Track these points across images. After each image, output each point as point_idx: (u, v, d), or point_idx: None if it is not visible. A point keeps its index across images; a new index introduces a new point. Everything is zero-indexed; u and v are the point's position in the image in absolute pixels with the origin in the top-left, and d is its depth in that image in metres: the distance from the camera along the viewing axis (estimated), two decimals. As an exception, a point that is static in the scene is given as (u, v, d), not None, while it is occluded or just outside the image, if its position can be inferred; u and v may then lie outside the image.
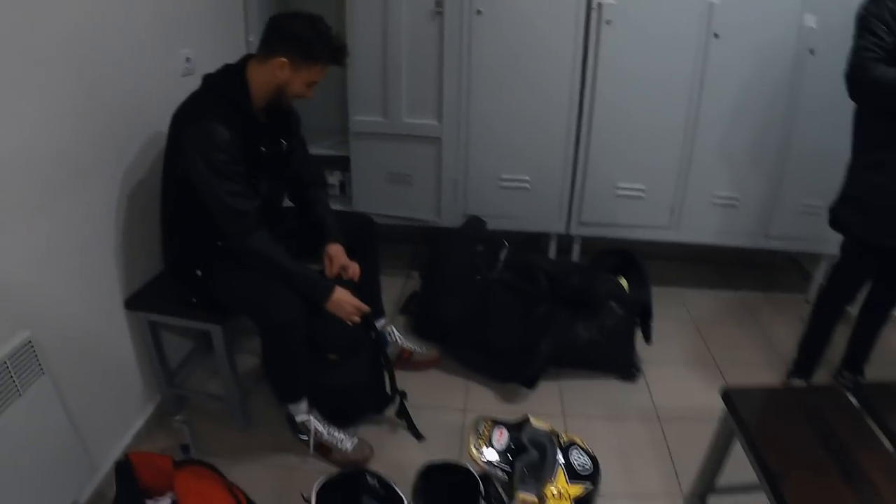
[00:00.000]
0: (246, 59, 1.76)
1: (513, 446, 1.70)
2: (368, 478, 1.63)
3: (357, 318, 1.89)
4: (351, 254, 2.02)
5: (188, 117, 1.70)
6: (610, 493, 1.82)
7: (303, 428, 1.95)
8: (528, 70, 2.59)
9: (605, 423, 2.17)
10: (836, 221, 2.05)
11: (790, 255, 3.31)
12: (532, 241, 3.00)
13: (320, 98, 2.83)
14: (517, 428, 1.76)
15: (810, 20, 2.45)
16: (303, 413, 1.94)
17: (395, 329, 2.41)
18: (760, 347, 2.65)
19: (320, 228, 2.04)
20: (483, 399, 2.28)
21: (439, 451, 1.95)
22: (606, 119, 2.63)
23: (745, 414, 1.46)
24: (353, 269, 1.99)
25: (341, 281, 1.94)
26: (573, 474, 1.67)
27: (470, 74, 2.60)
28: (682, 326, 2.78)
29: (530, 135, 2.69)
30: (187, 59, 2.12)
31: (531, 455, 1.69)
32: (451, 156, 2.73)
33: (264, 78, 1.73)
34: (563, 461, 1.68)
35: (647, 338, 2.41)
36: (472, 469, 1.67)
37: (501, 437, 1.73)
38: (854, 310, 2.29)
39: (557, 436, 1.76)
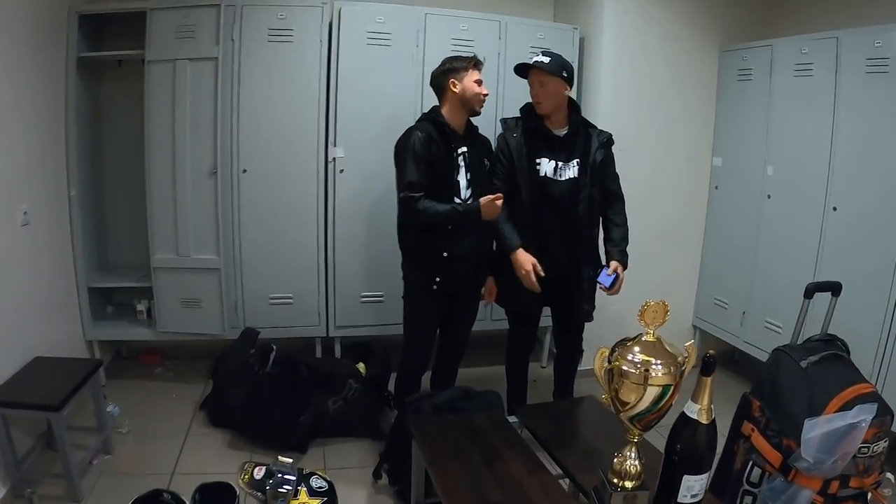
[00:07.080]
0: (436, 108, 2.68)
1: (267, 475, 2.37)
2: (164, 495, 2.20)
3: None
4: None
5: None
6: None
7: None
8: (285, 211, 3.43)
9: (359, 469, 2.81)
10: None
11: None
12: (303, 344, 3.67)
13: (128, 240, 3.53)
14: (270, 465, 2.44)
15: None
16: None
17: None
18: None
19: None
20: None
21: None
22: (346, 246, 3.51)
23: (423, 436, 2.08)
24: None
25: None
26: (313, 492, 2.37)
27: (240, 218, 3.39)
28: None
29: (290, 262, 3.49)
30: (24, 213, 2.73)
31: (278, 479, 2.36)
32: (229, 282, 3.41)
33: (450, 103, 2.62)
34: (304, 484, 2.39)
35: (389, 405, 3.17)
36: (232, 484, 2.33)
37: (260, 471, 2.41)
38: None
39: (301, 469, 2.46)
